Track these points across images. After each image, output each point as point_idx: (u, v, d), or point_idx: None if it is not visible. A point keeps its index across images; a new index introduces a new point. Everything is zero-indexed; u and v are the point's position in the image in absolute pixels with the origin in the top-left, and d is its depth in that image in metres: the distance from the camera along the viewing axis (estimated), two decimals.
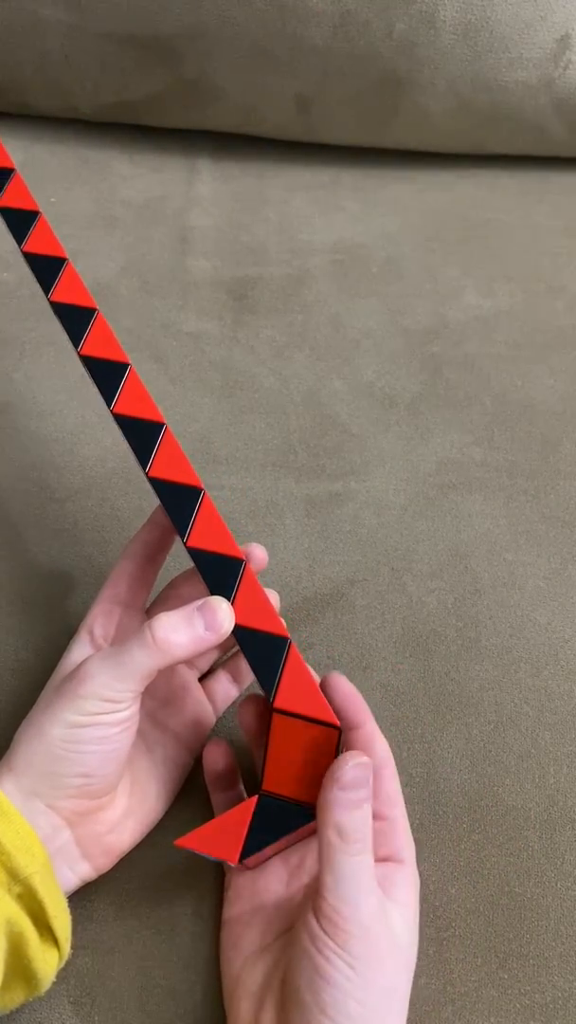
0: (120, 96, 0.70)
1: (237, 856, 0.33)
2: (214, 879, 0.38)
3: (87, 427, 0.54)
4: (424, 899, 0.37)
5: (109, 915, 0.37)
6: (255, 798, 0.34)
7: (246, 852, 0.33)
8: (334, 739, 0.34)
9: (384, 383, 0.58)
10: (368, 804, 0.32)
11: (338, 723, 0.34)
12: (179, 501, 0.38)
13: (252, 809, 0.34)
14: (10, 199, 0.45)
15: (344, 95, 0.67)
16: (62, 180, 0.71)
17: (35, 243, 0.44)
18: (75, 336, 0.41)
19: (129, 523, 0.50)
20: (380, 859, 0.34)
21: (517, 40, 0.64)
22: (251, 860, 0.34)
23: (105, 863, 0.36)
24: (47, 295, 0.42)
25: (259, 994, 0.33)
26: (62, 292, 0.42)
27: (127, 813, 0.37)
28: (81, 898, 0.37)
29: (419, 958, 0.35)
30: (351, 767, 0.32)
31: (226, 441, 0.54)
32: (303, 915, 0.32)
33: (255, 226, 0.68)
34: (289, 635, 0.35)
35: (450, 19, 0.62)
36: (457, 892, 0.38)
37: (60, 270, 0.43)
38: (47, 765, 0.34)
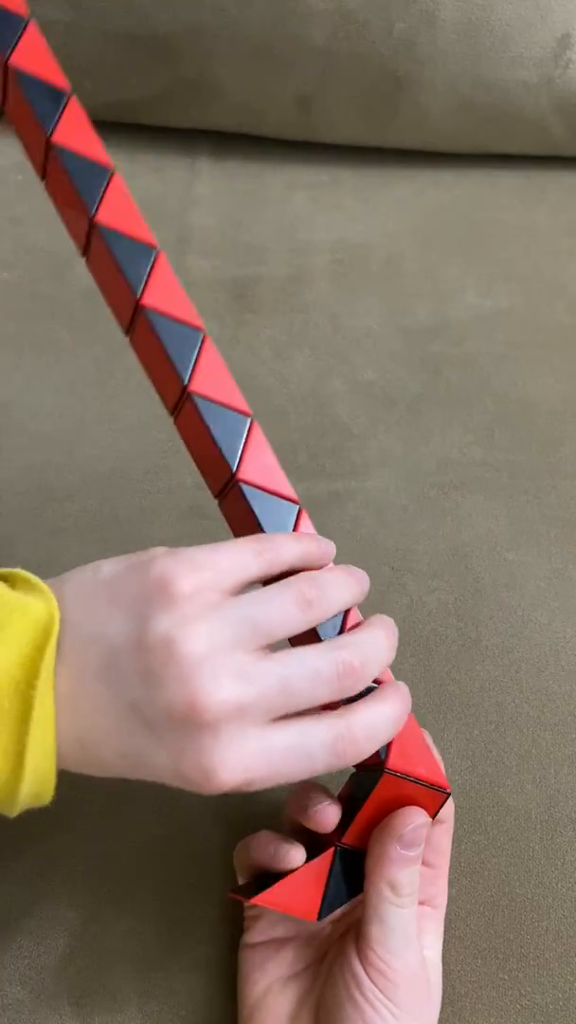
0: (120, 95, 0.70)
1: (316, 913, 0.32)
2: (214, 881, 0.38)
3: (87, 427, 0.54)
4: None
5: (109, 915, 0.37)
6: (331, 852, 0.33)
7: (325, 908, 0.32)
8: (439, 802, 0.33)
9: (384, 383, 0.58)
10: (419, 864, 0.32)
11: (448, 787, 0.33)
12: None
13: (329, 863, 0.33)
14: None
15: (344, 94, 0.67)
16: None
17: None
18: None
19: (129, 523, 0.50)
20: (418, 903, 0.34)
21: (517, 39, 0.64)
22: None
23: None
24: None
25: (288, 1021, 0.33)
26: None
27: None
28: (81, 897, 0.37)
29: None
30: (414, 828, 0.32)
31: None
32: (344, 958, 0.32)
33: (255, 226, 0.68)
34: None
35: (450, 18, 0.62)
36: (457, 893, 0.38)
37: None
38: None
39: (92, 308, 0.61)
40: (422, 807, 0.33)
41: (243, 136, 0.73)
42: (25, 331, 0.59)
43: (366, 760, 0.30)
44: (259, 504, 0.33)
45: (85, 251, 0.36)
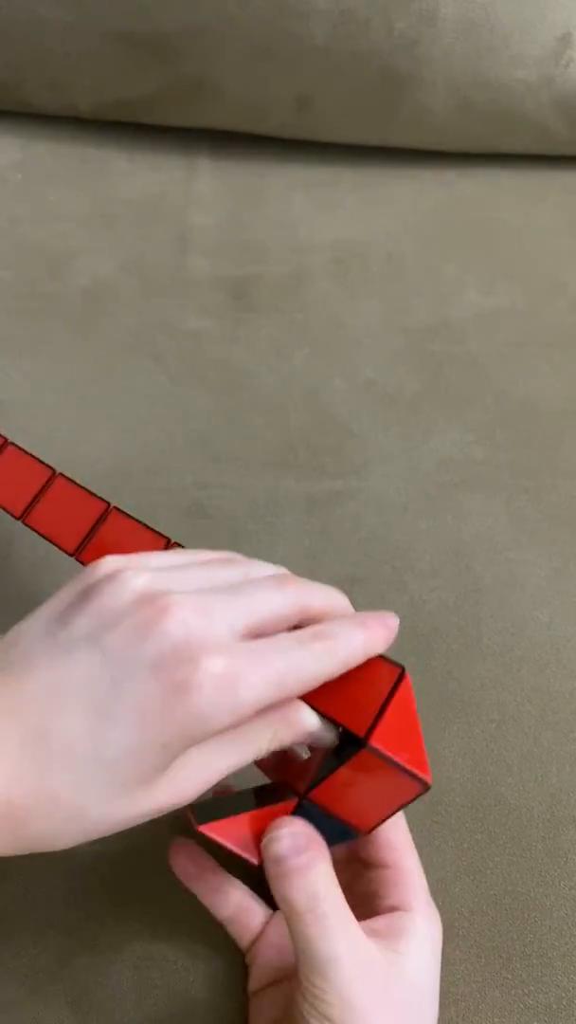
0: (119, 94, 0.70)
1: (259, 857, 0.31)
2: None
3: (86, 426, 0.54)
4: None
5: (107, 915, 0.37)
6: (294, 801, 0.31)
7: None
8: (414, 793, 0.30)
9: (385, 381, 0.57)
10: (316, 870, 0.30)
11: (429, 781, 0.30)
12: None
13: (289, 812, 0.31)
14: None
15: (344, 93, 0.67)
16: (61, 178, 0.70)
17: None
18: None
19: None
20: (387, 909, 0.33)
21: (518, 38, 0.63)
22: None
23: None
24: None
25: None
26: None
27: None
28: (78, 897, 0.37)
29: None
30: (274, 838, 0.30)
31: (226, 440, 0.54)
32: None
33: (255, 224, 0.68)
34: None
35: (451, 17, 0.62)
36: (460, 892, 0.38)
37: None
38: None
39: (92, 308, 0.61)
40: (397, 793, 0.30)
41: (243, 136, 0.73)
42: (25, 331, 0.59)
43: (350, 728, 0.29)
44: None
45: None
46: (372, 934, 0.31)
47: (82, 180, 0.70)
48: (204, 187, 0.70)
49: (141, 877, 0.38)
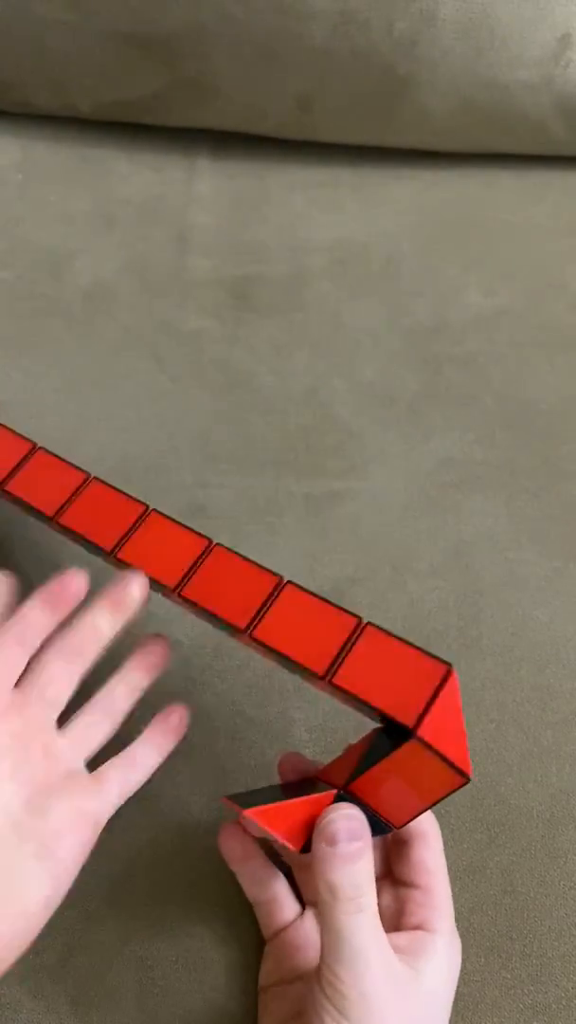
0: (120, 95, 0.70)
1: (301, 844, 0.31)
2: (214, 880, 0.38)
3: (86, 425, 0.54)
4: None
5: (108, 915, 0.37)
6: (332, 793, 0.32)
7: (310, 844, 0.31)
8: (455, 785, 0.30)
9: (384, 382, 0.57)
10: (364, 860, 0.30)
11: (470, 774, 0.30)
12: None
13: (329, 803, 0.32)
14: None
15: (344, 94, 0.67)
16: (61, 179, 0.70)
17: None
18: None
19: None
20: (411, 927, 0.33)
21: (518, 39, 0.64)
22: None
23: None
24: None
25: None
26: None
27: None
28: (78, 897, 0.36)
29: None
30: (332, 820, 0.30)
31: (226, 440, 0.54)
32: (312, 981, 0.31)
33: (255, 225, 0.68)
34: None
35: (451, 18, 0.62)
36: (460, 891, 0.38)
37: None
38: None
39: (92, 308, 0.61)
40: (437, 786, 0.31)
41: (243, 136, 0.73)
42: (25, 331, 0.59)
43: (399, 719, 0.30)
44: None
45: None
46: (395, 949, 0.31)
47: (82, 180, 0.71)
48: (204, 187, 0.71)
49: (141, 877, 0.38)
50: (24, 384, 0.56)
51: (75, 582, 0.36)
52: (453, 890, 0.37)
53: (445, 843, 0.39)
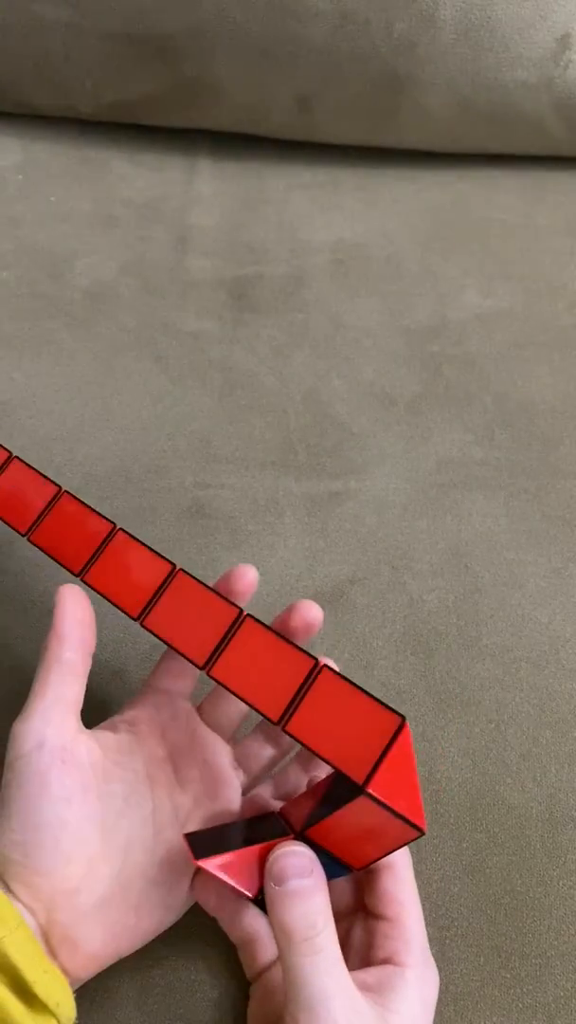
0: (120, 95, 0.70)
1: (257, 889, 0.31)
2: None
3: (87, 426, 0.54)
4: (427, 898, 0.37)
5: None
6: (290, 837, 0.31)
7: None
8: (408, 838, 0.30)
9: (384, 382, 0.58)
10: (316, 898, 0.29)
11: (424, 828, 0.30)
12: None
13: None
14: None
15: (344, 94, 0.67)
16: (62, 179, 0.71)
17: None
18: None
19: (128, 521, 0.49)
20: (380, 961, 0.32)
21: (517, 39, 0.64)
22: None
23: (74, 965, 0.32)
24: None
25: None
26: None
27: (99, 907, 0.32)
28: None
29: None
30: (278, 858, 0.30)
31: (226, 440, 0.54)
32: None
33: (255, 225, 0.68)
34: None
35: (450, 18, 0.62)
36: (459, 891, 0.38)
37: None
38: None
39: (93, 308, 0.61)
40: (391, 837, 0.31)
41: (243, 136, 0.73)
42: (25, 331, 0.59)
43: (349, 775, 0.29)
44: None
45: None
46: (363, 987, 0.30)
47: (83, 181, 0.71)
48: (204, 188, 0.71)
49: None
50: (24, 384, 0.56)
51: None
52: (453, 891, 0.38)
53: (443, 841, 0.39)
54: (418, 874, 0.37)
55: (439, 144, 0.72)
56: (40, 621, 0.46)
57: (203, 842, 0.32)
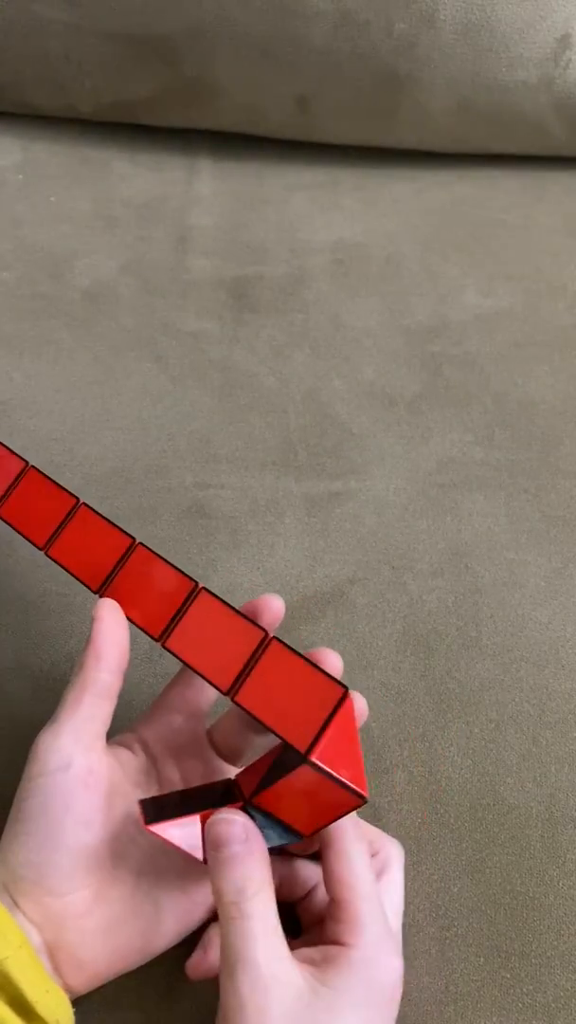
0: (120, 95, 0.70)
1: (204, 858, 0.31)
2: None
3: (87, 426, 0.54)
4: (426, 897, 0.37)
5: None
6: (238, 805, 0.32)
7: None
8: (351, 806, 0.31)
9: (384, 382, 0.58)
10: (247, 865, 0.30)
11: (366, 795, 0.30)
12: None
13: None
14: None
15: (344, 94, 0.67)
16: (62, 179, 0.71)
17: None
18: None
19: (129, 521, 0.49)
20: (326, 941, 0.31)
21: (517, 39, 0.64)
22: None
23: (77, 982, 0.32)
24: None
25: None
26: None
27: (107, 930, 0.32)
28: None
29: (421, 957, 0.35)
30: (211, 824, 0.30)
31: (226, 440, 0.54)
32: None
33: (255, 225, 0.68)
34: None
35: (450, 18, 0.62)
36: (459, 891, 0.38)
37: None
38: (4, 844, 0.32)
39: (93, 309, 0.61)
40: (336, 805, 0.31)
41: (243, 136, 0.73)
42: (25, 331, 0.59)
43: (292, 743, 0.30)
44: None
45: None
46: (307, 960, 0.30)
47: (83, 181, 0.71)
48: (204, 188, 0.71)
49: None
50: (24, 384, 0.56)
51: None
52: (453, 890, 0.38)
53: (443, 841, 0.39)
54: (418, 874, 0.38)
55: (439, 144, 0.72)
56: (40, 622, 0.46)
57: (156, 808, 0.32)
